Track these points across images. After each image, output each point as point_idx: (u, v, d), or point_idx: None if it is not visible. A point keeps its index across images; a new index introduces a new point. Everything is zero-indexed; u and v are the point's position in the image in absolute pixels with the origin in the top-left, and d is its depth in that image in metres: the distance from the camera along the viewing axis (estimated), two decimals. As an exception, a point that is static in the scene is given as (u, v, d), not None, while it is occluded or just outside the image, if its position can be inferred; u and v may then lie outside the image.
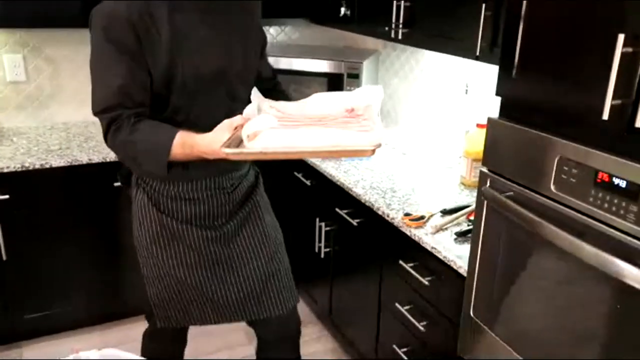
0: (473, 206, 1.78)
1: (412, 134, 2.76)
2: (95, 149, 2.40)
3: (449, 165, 2.35)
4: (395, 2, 2.16)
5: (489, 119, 1.40)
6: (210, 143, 1.34)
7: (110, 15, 1.37)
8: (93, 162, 2.32)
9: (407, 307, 1.88)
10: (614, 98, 1.05)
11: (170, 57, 1.42)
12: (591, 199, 1.14)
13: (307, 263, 2.65)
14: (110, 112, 1.41)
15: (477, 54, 1.80)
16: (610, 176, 1.10)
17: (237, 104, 1.52)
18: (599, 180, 1.12)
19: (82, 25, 1.59)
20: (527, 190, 1.30)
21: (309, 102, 1.54)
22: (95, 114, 1.44)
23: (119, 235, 2.43)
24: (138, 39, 1.38)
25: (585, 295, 1.19)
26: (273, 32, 3.21)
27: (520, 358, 1.38)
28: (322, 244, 2.42)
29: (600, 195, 1.12)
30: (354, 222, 2.13)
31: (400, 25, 2.16)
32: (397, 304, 1.92)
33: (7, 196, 2.20)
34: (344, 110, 1.49)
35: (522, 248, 1.35)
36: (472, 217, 1.79)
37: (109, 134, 1.43)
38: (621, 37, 1.01)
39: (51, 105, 2.75)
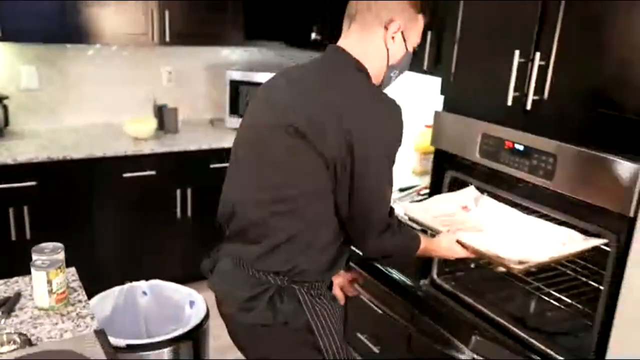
0: (421, 184, 2.34)
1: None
2: (106, 146, 2.82)
3: (403, 161, 2.91)
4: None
5: (436, 112, 1.95)
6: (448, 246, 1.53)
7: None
8: (107, 156, 2.74)
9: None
10: (514, 91, 1.62)
11: None
12: (502, 159, 1.70)
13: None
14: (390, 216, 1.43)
15: (425, 68, 2.37)
16: (513, 143, 1.66)
17: None
18: (506, 147, 1.69)
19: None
20: (461, 159, 1.86)
21: (430, 204, 1.79)
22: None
23: (131, 218, 2.87)
24: None
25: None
26: (253, 53, 3.72)
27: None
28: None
29: (507, 156, 1.69)
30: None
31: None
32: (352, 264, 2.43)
33: (34, 182, 2.59)
34: (460, 207, 1.75)
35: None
36: (422, 192, 2.35)
37: (385, 235, 1.39)
38: (517, 52, 1.59)
39: (61, 111, 3.16)
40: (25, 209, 2.61)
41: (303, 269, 1.33)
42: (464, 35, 1.82)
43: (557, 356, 1.56)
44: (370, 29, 1.36)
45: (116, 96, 3.29)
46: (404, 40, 1.40)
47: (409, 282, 2.03)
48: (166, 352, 1.65)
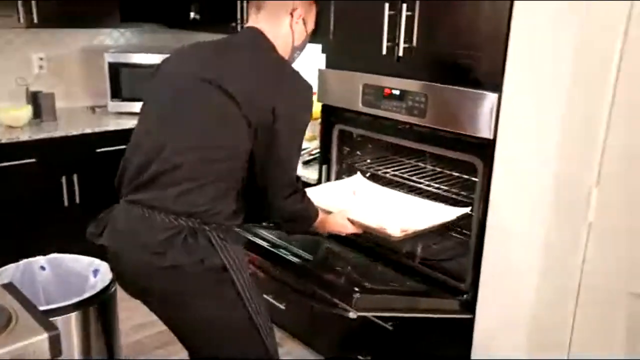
0: (311, 147, 2.49)
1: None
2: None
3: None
4: (239, 2, 2.80)
5: (319, 70, 2.10)
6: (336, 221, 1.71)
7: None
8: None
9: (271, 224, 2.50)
10: (387, 41, 1.80)
11: None
12: (382, 106, 1.88)
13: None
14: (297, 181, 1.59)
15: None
16: (391, 89, 1.85)
17: None
18: (385, 94, 1.87)
19: None
20: (346, 111, 2.02)
21: (324, 190, 1.98)
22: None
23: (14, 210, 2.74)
24: None
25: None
26: (129, 35, 3.64)
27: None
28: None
29: (387, 102, 1.87)
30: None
31: (245, 21, 2.80)
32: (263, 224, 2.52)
33: None
34: (350, 192, 1.96)
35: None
36: (312, 152, 2.49)
37: (290, 199, 1.52)
38: (387, 5, 1.77)
39: None
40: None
41: (215, 212, 1.44)
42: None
43: (441, 275, 1.79)
44: (279, 16, 1.54)
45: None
46: (305, 24, 1.59)
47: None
48: (73, 317, 1.63)
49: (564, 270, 1.45)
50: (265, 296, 2.56)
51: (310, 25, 1.64)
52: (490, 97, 1.57)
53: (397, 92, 1.83)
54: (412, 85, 1.78)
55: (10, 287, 1.20)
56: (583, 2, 1.32)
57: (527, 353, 1.57)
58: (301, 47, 1.65)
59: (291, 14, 1.54)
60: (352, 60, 1.99)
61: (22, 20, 2.84)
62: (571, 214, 1.41)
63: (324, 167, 2.17)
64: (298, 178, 1.61)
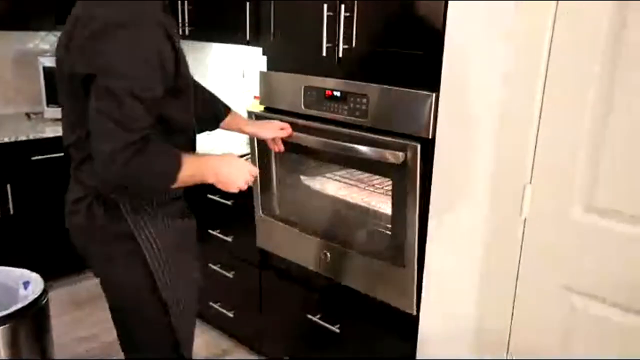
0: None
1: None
2: None
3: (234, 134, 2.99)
4: (179, 6, 2.74)
5: (261, 72, 2.07)
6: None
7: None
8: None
9: (217, 231, 2.45)
10: (327, 42, 1.80)
11: None
12: (324, 108, 1.87)
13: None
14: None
15: (248, 39, 2.48)
16: (332, 91, 1.84)
17: None
18: (327, 95, 1.86)
19: None
20: (289, 114, 1.99)
21: None
22: None
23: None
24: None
25: (329, 165, 1.92)
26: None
27: (302, 232, 2.05)
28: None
29: (329, 104, 1.86)
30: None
31: (187, 24, 2.76)
32: (209, 230, 2.47)
33: None
34: None
35: (287, 155, 2.04)
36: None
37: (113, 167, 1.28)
38: (325, 6, 1.77)
39: None
40: None
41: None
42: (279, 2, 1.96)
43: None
44: None
45: None
46: None
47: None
48: (0, 331, 1.54)
49: (502, 266, 1.47)
50: (212, 304, 2.52)
51: None
52: (428, 96, 1.58)
53: (338, 94, 1.83)
54: (353, 86, 1.78)
55: None
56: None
57: (469, 351, 1.59)
58: None
59: None
60: (293, 62, 1.97)
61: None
62: (507, 210, 1.43)
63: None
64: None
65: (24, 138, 2.84)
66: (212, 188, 2.41)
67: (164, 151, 1.36)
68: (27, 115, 3.27)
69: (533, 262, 1.42)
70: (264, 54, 2.07)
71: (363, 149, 1.72)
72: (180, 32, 2.78)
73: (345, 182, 2.03)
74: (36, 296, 1.68)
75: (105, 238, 1.44)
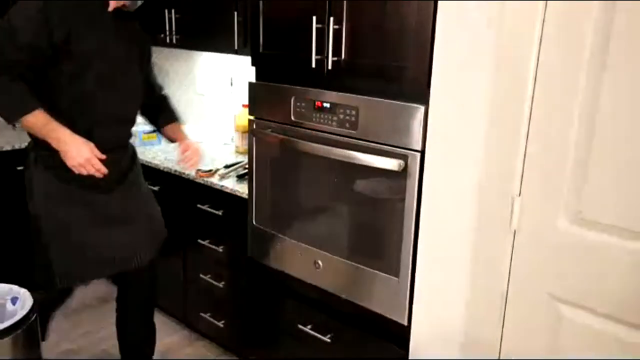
0: (246, 161, 2.45)
1: (193, 126, 3.34)
2: None
3: (225, 142, 2.99)
4: (167, 14, 2.74)
5: (250, 83, 2.07)
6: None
7: None
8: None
9: (207, 241, 2.45)
10: (316, 54, 1.81)
11: None
12: (314, 119, 1.88)
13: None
14: None
15: (236, 48, 2.48)
16: (322, 102, 1.85)
17: None
18: (316, 107, 1.87)
19: None
20: (278, 124, 2.00)
21: None
22: None
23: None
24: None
25: (321, 176, 1.93)
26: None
27: (294, 241, 2.06)
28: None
29: (318, 115, 1.87)
30: (155, 188, 2.62)
31: (174, 32, 2.75)
32: (199, 240, 2.47)
33: None
34: None
35: (281, 163, 2.05)
36: (247, 165, 2.45)
37: None
38: (314, 18, 1.78)
39: None
40: None
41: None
42: (267, 9, 1.97)
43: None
44: None
45: None
46: None
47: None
48: (-10, 349, 1.52)
49: (492, 278, 1.48)
50: (202, 315, 2.51)
51: None
52: (418, 109, 1.60)
53: (327, 105, 1.84)
54: (342, 98, 1.79)
55: None
56: (499, 13, 1.36)
57: (460, 360, 1.61)
58: None
59: None
60: (282, 73, 1.98)
61: None
62: (496, 222, 1.45)
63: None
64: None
65: (8, 148, 2.82)
66: (201, 198, 2.42)
67: (19, 90, 1.80)
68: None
69: (522, 273, 1.44)
70: (253, 64, 2.07)
71: (361, 155, 1.73)
72: (168, 41, 2.78)
73: (338, 191, 2.04)
74: (26, 312, 1.66)
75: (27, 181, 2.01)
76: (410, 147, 1.63)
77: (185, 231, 2.57)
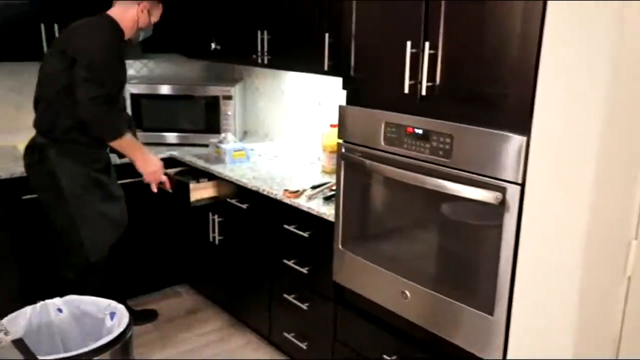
0: (333, 181, 2.43)
1: (280, 143, 3.39)
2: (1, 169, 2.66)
3: (311, 161, 3.00)
4: (259, 35, 2.79)
5: (340, 106, 2.06)
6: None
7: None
8: (1, 177, 2.59)
9: (293, 261, 2.45)
10: (409, 79, 1.76)
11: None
12: (405, 145, 1.83)
13: (203, 254, 3.11)
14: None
15: (326, 69, 2.48)
16: (414, 128, 1.80)
17: None
18: (407, 132, 1.82)
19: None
20: (368, 149, 1.96)
21: None
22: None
23: (30, 242, 2.71)
24: None
25: (411, 203, 1.87)
26: (152, 66, 3.67)
27: (381, 269, 2.01)
28: (216, 234, 2.91)
29: (410, 141, 1.81)
30: (244, 207, 2.67)
31: (265, 53, 2.80)
32: (284, 260, 2.48)
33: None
34: None
35: (369, 189, 2.01)
36: (333, 188, 2.44)
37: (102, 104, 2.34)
38: (409, 43, 1.73)
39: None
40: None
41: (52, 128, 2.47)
42: (360, 32, 1.94)
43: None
44: (128, 6, 2.49)
45: (10, 116, 3.10)
46: (149, 15, 2.56)
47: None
48: (91, 364, 1.60)
49: (602, 326, 1.36)
50: (285, 334, 2.52)
51: (155, 17, 2.60)
52: (518, 140, 1.50)
53: (420, 132, 1.78)
54: (436, 125, 1.72)
55: (19, 344, 1.16)
56: (617, 35, 1.25)
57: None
58: (145, 30, 2.60)
59: (138, 5, 2.49)
60: (373, 97, 1.94)
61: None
62: (608, 267, 1.32)
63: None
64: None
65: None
66: (288, 219, 2.43)
67: (118, 117, 2.47)
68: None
69: (637, 320, 1.31)
70: (344, 88, 2.05)
71: (455, 186, 1.66)
72: (259, 61, 2.83)
73: (429, 220, 1.97)
74: (122, 329, 1.73)
75: (41, 175, 2.50)
76: (509, 179, 1.54)
77: (272, 250, 2.59)
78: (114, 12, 2.49)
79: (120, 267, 2.91)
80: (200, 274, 3.26)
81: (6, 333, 1.31)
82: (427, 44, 1.70)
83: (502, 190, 1.56)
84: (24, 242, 2.73)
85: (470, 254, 1.72)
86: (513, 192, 1.54)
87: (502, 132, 1.55)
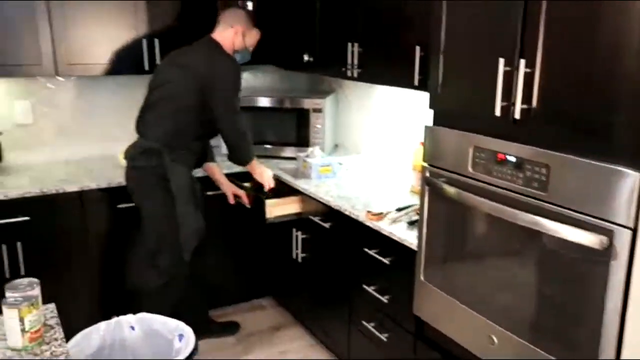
0: (418, 204, 2.26)
1: (370, 158, 3.26)
2: (100, 178, 2.78)
3: (401, 179, 2.84)
4: (349, 47, 2.69)
5: (426, 127, 1.89)
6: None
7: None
8: (101, 187, 2.71)
9: (372, 287, 2.31)
10: (501, 101, 1.56)
11: None
12: (495, 173, 1.63)
13: (285, 269, 3.06)
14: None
15: (415, 84, 2.32)
16: (505, 155, 1.59)
17: None
18: (498, 159, 1.62)
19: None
20: (454, 174, 1.78)
21: None
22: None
23: (123, 250, 2.81)
24: None
25: (501, 238, 1.67)
26: (247, 77, 3.71)
27: (466, 307, 1.82)
28: (299, 250, 2.85)
29: (500, 169, 1.61)
30: (326, 225, 2.58)
31: (355, 66, 2.69)
32: (364, 286, 2.35)
33: (27, 218, 2.55)
34: None
35: (455, 218, 1.83)
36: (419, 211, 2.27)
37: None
38: (501, 60, 1.53)
39: (56, 144, 3.15)
40: (19, 245, 2.57)
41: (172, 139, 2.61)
42: (449, 47, 1.77)
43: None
44: (226, 28, 2.67)
45: (111, 126, 3.26)
46: (243, 38, 2.70)
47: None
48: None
49: None
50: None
51: (249, 41, 2.75)
52: (632, 176, 1.26)
53: (512, 159, 1.57)
54: (530, 152, 1.51)
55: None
56: None
57: None
58: (241, 52, 2.74)
59: (232, 27, 2.67)
60: (462, 119, 1.76)
61: (147, 67, 2.97)
62: None
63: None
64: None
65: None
66: (369, 242, 2.30)
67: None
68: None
69: None
70: (430, 107, 1.89)
71: (551, 224, 1.44)
72: (349, 74, 2.73)
73: (521, 259, 1.75)
74: (189, 352, 1.71)
75: (149, 175, 2.62)
76: (618, 221, 1.30)
77: (353, 273, 2.48)
78: (217, 35, 2.66)
79: (205, 277, 2.94)
80: (284, 288, 3.22)
81: (66, 356, 1.31)
82: (522, 62, 1.49)
83: (609, 233, 1.33)
84: (113, 250, 2.84)
85: (568, 303, 1.48)
86: (623, 237, 1.30)
87: (611, 166, 1.31)
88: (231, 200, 2.90)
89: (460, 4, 1.71)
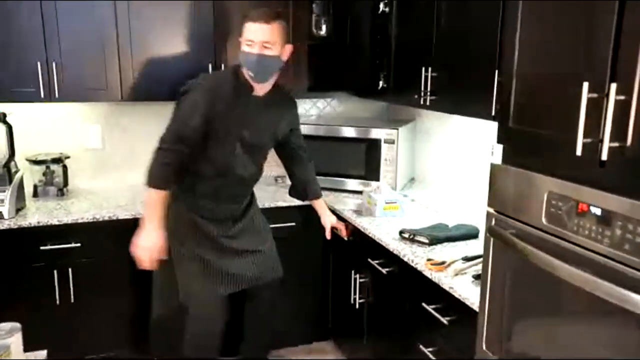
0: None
1: (442, 192, 2.92)
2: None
3: (477, 221, 2.48)
4: (423, 72, 2.41)
5: (492, 165, 1.57)
6: None
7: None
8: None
9: (430, 349, 1.98)
10: (584, 137, 1.22)
11: None
12: (575, 227, 1.28)
13: (344, 315, 2.79)
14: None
15: (493, 114, 1.99)
16: (588, 206, 1.24)
17: None
18: (579, 211, 1.27)
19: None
20: (524, 225, 1.44)
21: None
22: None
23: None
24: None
25: (581, 310, 1.30)
26: (320, 105, 3.53)
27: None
28: (357, 295, 2.56)
29: (582, 223, 1.26)
30: (384, 271, 2.28)
31: (429, 93, 2.40)
32: (420, 346, 2.01)
33: (79, 244, 2.51)
34: None
35: (524, 279, 1.48)
36: (490, 263, 1.91)
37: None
38: (586, 85, 1.20)
39: (123, 169, 3.14)
40: (70, 271, 2.53)
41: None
42: (523, 70, 1.45)
43: None
44: None
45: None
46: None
47: None
48: None
49: None
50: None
51: (286, 53, 2.31)
52: None
53: (597, 211, 1.22)
54: (622, 204, 1.15)
55: None
56: None
57: None
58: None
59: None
60: (535, 157, 1.43)
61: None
62: None
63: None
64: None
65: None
66: (428, 296, 1.98)
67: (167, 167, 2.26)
68: (275, 179, 3.32)
69: None
70: (499, 141, 1.57)
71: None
72: (422, 102, 2.45)
73: (607, 339, 1.36)
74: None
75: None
76: None
77: (409, 329, 2.16)
78: None
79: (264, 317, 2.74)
80: (344, 333, 2.94)
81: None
82: (613, 86, 1.15)
83: None
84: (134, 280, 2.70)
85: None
86: None
87: None
88: (328, 235, 2.64)
89: (536, 16, 1.40)
